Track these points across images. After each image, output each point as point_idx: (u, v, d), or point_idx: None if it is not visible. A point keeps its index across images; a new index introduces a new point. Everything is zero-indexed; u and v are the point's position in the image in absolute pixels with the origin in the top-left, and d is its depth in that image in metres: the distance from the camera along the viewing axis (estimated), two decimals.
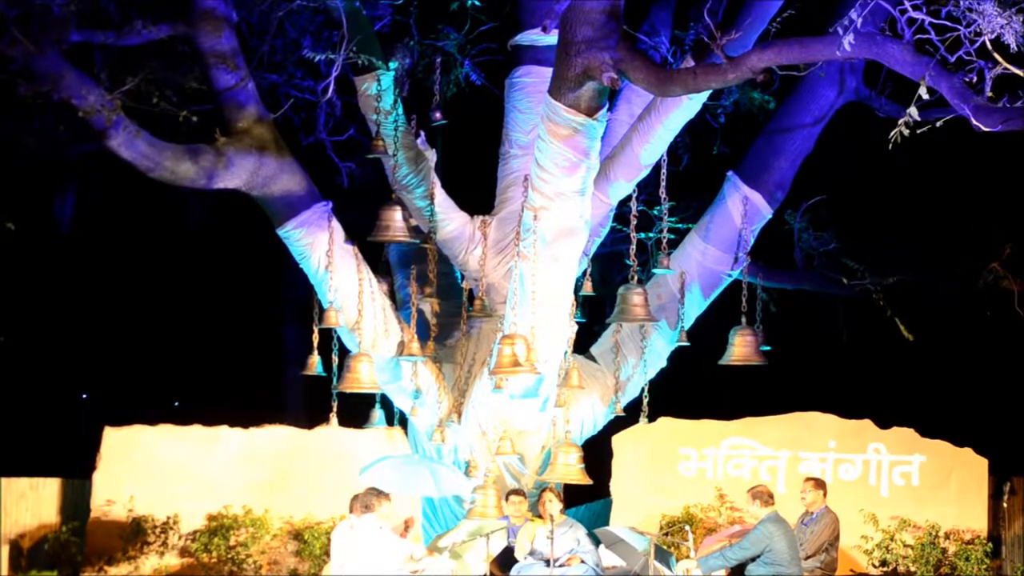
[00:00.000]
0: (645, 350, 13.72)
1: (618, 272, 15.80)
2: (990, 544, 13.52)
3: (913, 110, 8.96)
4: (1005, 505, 13.66)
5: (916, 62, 9.05)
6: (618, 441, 14.05)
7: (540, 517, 12.58)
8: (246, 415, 14.28)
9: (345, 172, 15.15)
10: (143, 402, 18.75)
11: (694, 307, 13.86)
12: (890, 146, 9.21)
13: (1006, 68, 8.89)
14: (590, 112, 11.01)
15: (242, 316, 20.46)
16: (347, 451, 13.74)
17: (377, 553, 11.55)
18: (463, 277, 13.80)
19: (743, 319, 13.36)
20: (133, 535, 13.55)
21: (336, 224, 12.72)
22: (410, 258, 13.92)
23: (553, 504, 12.36)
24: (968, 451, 13.80)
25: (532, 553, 12.37)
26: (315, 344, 13.27)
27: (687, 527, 12.63)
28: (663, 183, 13.19)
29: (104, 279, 20.24)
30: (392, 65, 12.83)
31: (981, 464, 13.75)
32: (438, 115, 13.90)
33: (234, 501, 13.73)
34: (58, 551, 13.80)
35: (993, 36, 8.83)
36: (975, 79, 9.02)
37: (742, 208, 13.58)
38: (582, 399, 13.45)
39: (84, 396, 22.50)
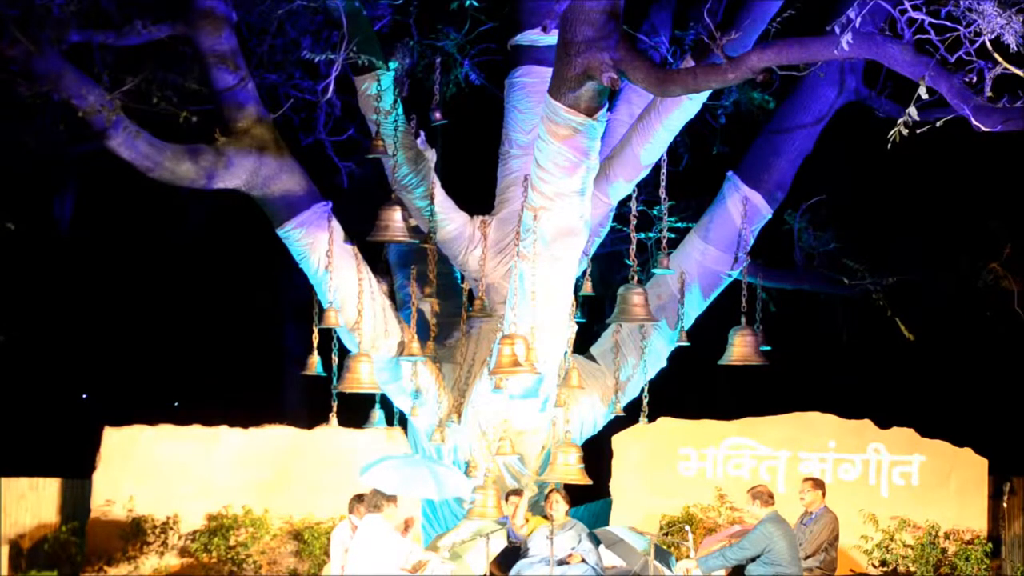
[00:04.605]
0: (645, 350, 13.71)
1: (618, 272, 15.80)
2: (990, 544, 13.53)
3: (912, 110, 8.95)
4: (1005, 505, 13.68)
5: (916, 62, 9.05)
6: (618, 441, 14.06)
7: (546, 518, 12.57)
8: (246, 415, 14.30)
9: (345, 172, 15.15)
10: (143, 402, 18.77)
11: (694, 307, 13.86)
12: (889, 146, 9.21)
13: (1006, 68, 8.88)
14: (590, 112, 11.00)
15: (242, 316, 20.47)
16: (347, 451, 13.75)
17: (384, 553, 11.56)
18: (463, 277, 13.79)
19: (743, 319, 13.36)
20: (133, 535, 13.56)
21: (336, 224, 12.72)
22: (410, 258, 13.91)
23: (560, 505, 12.35)
24: (968, 451, 13.81)
25: (528, 553, 12.36)
26: (315, 344, 13.27)
27: (687, 527, 12.63)
28: (663, 183, 13.18)
29: (104, 279, 20.27)
30: (392, 65, 12.81)
31: (981, 464, 13.76)
32: (438, 115, 13.89)
33: (234, 501, 13.74)
34: (58, 551, 13.82)
35: (993, 36, 8.83)
36: (975, 79, 9.01)
37: (742, 208, 13.58)
38: (582, 399, 13.45)
39: (84, 396, 22.50)
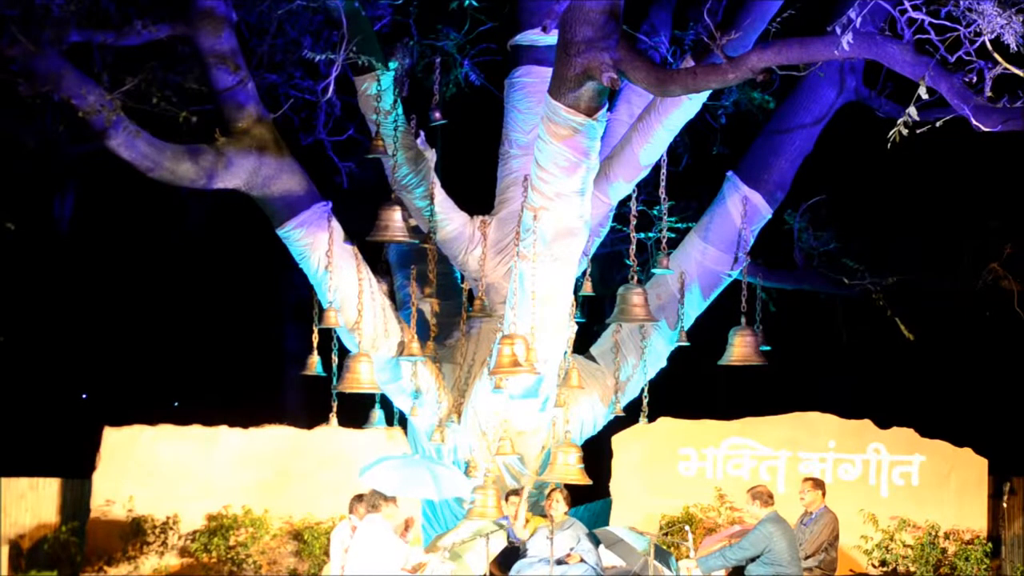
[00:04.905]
0: (645, 350, 13.71)
1: (618, 272, 15.80)
2: (990, 544, 13.52)
3: (912, 110, 8.96)
4: (1005, 505, 13.67)
5: (916, 62, 9.05)
6: (618, 441, 14.06)
7: (545, 517, 12.56)
8: (246, 415, 14.30)
9: (345, 172, 15.15)
10: (143, 402, 18.76)
11: (694, 307, 13.86)
12: (889, 146, 9.22)
13: (1006, 68, 8.88)
14: (590, 112, 11.00)
15: (242, 316, 20.47)
16: (347, 451, 13.75)
17: (383, 553, 11.57)
18: (463, 277, 13.80)
19: (743, 319, 13.36)
20: (133, 535, 13.56)
21: (336, 224, 12.72)
22: (410, 258, 13.91)
23: (560, 504, 12.35)
24: (968, 451, 13.80)
25: (527, 553, 12.35)
26: (315, 344, 13.27)
27: (687, 527, 12.63)
28: (663, 183, 13.18)
29: (104, 279, 20.26)
30: (392, 65, 12.82)
31: (981, 464, 13.76)
32: (438, 115, 13.89)
33: (234, 501, 13.74)
34: (58, 551, 13.82)
35: (993, 36, 8.83)
36: (975, 79, 9.01)
37: (742, 208, 13.58)
38: (582, 399, 13.45)
39: (84, 396, 22.50)
